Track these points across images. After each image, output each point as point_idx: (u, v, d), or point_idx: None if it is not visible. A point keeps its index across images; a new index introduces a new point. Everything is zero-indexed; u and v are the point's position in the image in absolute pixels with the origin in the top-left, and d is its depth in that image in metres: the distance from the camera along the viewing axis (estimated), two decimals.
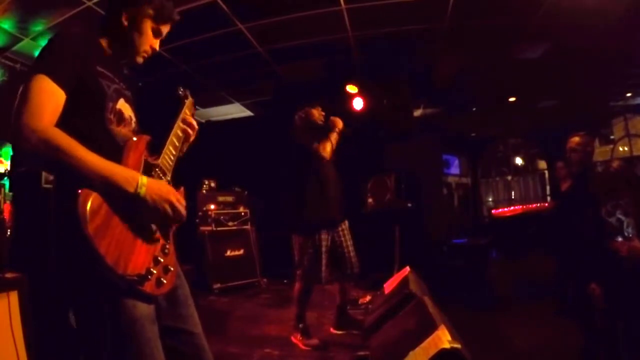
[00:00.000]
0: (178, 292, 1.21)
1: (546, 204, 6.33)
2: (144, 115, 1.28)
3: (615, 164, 4.70)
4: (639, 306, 2.04)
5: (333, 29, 4.31)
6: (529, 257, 4.87)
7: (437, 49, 4.79)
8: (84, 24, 3.61)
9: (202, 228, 4.77)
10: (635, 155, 7.16)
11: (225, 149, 5.89)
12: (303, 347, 2.74)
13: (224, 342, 2.82)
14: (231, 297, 4.32)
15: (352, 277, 3.03)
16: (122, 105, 1.18)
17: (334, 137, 2.87)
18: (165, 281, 1.05)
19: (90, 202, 0.92)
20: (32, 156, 0.96)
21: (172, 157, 1.22)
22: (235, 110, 6.79)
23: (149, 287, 1.00)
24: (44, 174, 2.52)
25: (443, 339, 1.36)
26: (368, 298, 3.81)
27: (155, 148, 1.18)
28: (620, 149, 7.49)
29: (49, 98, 0.98)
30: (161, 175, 1.14)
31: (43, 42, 3.97)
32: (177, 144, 1.26)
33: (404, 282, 2.46)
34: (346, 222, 3.00)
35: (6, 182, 2.87)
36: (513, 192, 10.06)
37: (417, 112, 6.77)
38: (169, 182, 1.16)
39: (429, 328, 1.51)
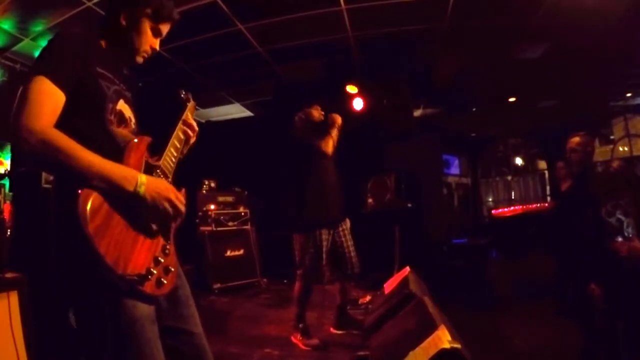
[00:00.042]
0: (179, 292, 1.21)
1: (546, 204, 6.33)
2: (144, 115, 1.28)
3: (615, 164, 4.71)
4: (639, 306, 2.04)
5: (333, 29, 4.31)
6: (529, 257, 4.88)
7: (437, 49, 4.79)
8: (84, 24, 3.61)
9: (202, 228, 4.77)
10: (635, 155, 7.16)
11: (225, 149, 5.89)
12: (303, 347, 2.74)
13: (224, 342, 2.83)
14: (231, 297, 4.32)
15: (353, 277, 3.03)
16: (122, 106, 1.18)
17: (334, 132, 2.90)
18: (165, 282, 1.05)
19: (91, 202, 0.92)
20: (31, 157, 0.96)
21: (173, 159, 1.22)
22: (235, 111, 6.79)
23: (149, 287, 1.00)
24: (44, 174, 2.52)
25: (443, 339, 1.36)
26: (368, 298, 3.81)
27: (156, 149, 1.18)
28: (620, 149, 7.49)
29: (48, 99, 0.98)
30: (162, 176, 1.14)
31: (43, 42, 3.98)
32: (178, 146, 1.27)
33: (404, 282, 2.46)
34: (348, 221, 3.01)
35: (6, 182, 2.87)
36: (513, 192, 10.06)
37: (417, 112, 6.77)
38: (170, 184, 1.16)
39: (429, 328, 1.51)
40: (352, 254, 2.93)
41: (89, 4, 3.51)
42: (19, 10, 3.57)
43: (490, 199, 10.29)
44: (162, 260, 1.05)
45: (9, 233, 2.30)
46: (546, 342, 2.74)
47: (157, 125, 1.35)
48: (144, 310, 1.03)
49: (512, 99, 6.50)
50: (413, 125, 5.87)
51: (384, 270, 4.03)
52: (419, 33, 4.42)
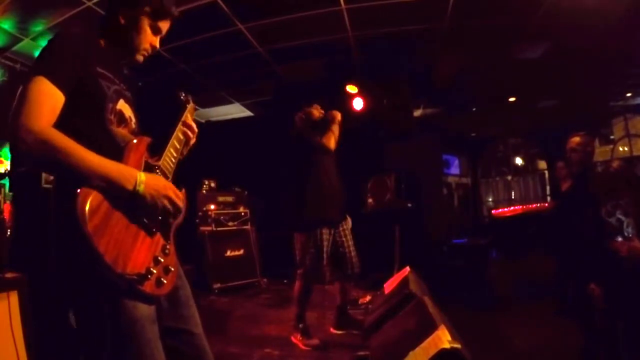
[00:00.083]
0: (179, 292, 1.21)
1: (546, 204, 6.32)
2: (144, 115, 1.28)
3: (615, 164, 4.71)
4: (639, 306, 2.04)
5: (333, 29, 4.31)
6: (529, 257, 4.88)
7: (437, 49, 4.79)
8: (84, 24, 3.61)
9: (202, 228, 4.77)
10: (635, 155, 7.16)
11: (225, 149, 5.89)
12: (303, 347, 2.74)
13: (224, 342, 2.83)
14: (231, 297, 4.32)
15: (353, 277, 3.03)
16: (122, 105, 1.18)
17: (335, 128, 2.94)
18: (165, 281, 1.05)
19: (90, 201, 0.92)
20: (30, 157, 0.96)
21: (172, 160, 1.22)
22: (235, 110, 6.79)
23: (148, 286, 0.99)
24: (44, 174, 2.52)
25: (443, 339, 1.36)
26: (368, 298, 3.81)
27: (155, 149, 1.18)
28: (620, 149, 7.48)
29: (47, 99, 0.98)
30: (161, 176, 1.14)
31: (43, 42, 3.98)
32: (178, 146, 1.27)
33: (404, 282, 2.46)
34: (349, 220, 3.01)
35: (6, 182, 2.87)
36: (513, 192, 10.05)
37: (417, 112, 6.77)
38: None
39: (429, 328, 1.51)
40: (353, 254, 2.93)
41: (89, 4, 3.51)
42: (19, 10, 3.57)
43: (490, 199, 10.29)
44: (162, 260, 1.05)
45: (9, 233, 2.30)
46: (546, 342, 2.74)
47: (157, 125, 1.35)
48: (145, 310, 1.03)
49: (512, 99, 6.50)
50: (413, 125, 5.87)
51: (384, 270, 4.03)
52: (419, 33, 4.42)
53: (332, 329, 3.07)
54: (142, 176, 1.02)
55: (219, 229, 4.80)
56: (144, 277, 0.98)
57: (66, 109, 1.02)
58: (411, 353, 1.44)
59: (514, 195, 10.01)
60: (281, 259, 4.07)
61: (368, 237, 3.79)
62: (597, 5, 3.82)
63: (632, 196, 2.22)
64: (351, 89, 4.68)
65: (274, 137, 4.11)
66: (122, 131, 1.15)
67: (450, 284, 3.87)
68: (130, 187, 0.99)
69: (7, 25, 3.79)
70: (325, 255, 2.76)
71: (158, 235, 1.08)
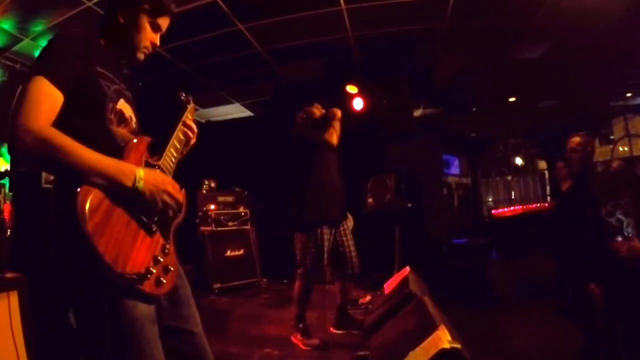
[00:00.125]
0: (179, 292, 1.21)
1: (546, 204, 6.33)
2: (145, 115, 1.28)
3: (615, 164, 4.70)
4: (639, 306, 2.04)
5: (333, 29, 4.31)
6: (529, 257, 4.88)
7: (437, 49, 4.79)
8: (84, 24, 3.61)
9: (202, 228, 4.77)
10: (635, 155, 7.16)
11: (225, 149, 5.89)
12: (303, 347, 2.74)
13: (224, 342, 2.83)
14: (231, 297, 4.32)
15: (353, 277, 3.03)
16: (123, 105, 1.18)
17: (336, 124, 2.97)
18: (165, 281, 1.05)
19: (90, 200, 0.92)
20: (29, 156, 0.96)
21: (173, 159, 1.23)
22: (235, 110, 6.79)
23: (148, 286, 0.99)
24: (44, 174, 2.52)
25: (443, 339, 1.36)
26: (368, 298, 3.81)
27: (156, 149, 1.19)
28: (620, 149, 7.48)
29: (46, 99, 0.98)
30: None
31: (43, 42, 3.98)
32: (178, 146, 1.27)
33: (404, 282, 2.46)
34: (350, 220, 3.02)
35: (6, 182, 2.87)
36: (513, 192, 10.05)
37: (417, 112, 6.77)
38: None
39: (429, 328, 1.51)
40: (353, 253, 2.93)
41: (89, 4, 3.51)
42: (19, 10, 3.57)
43: (490, 199, 10.29)
44: (162, 260, 1.05)
45: (9, 233, 2.30)
46: (546, 342, 2.74)
47: (157, 125, 1.36)
48: (144, 310, 1.03)
49: (512, 99, 6.50)
50: (413, 125, 5.87)
51: (384, 270, 4.03)
52: (419, 33, 4.42)
53: (332, 329, 3.07)
54: (141, 172, 1.02)
55: (219, 229, 4.80)
56: (143, 276, 0.98)
57: (66, 109, 1.02)
58: (411, 353, 1.44)
59: (514, 195, 10.01)
60: (281, 259, 4.07)
61: (368, 237, 3.79)
62: (597, 5, 3.82)
63: (632, 196, 2.22)
64: (351, 89, 4.68)
65: (274, 137, 4.11)
66: (122, 131, 1.16)
67: (450, 284, 3.87)
68: (129, 183, 0.99)
69: (7, 25, 3.79)
70: (325, 255, 2.76)
71: (158, 234, 1.09)
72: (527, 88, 5.96)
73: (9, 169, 3.64)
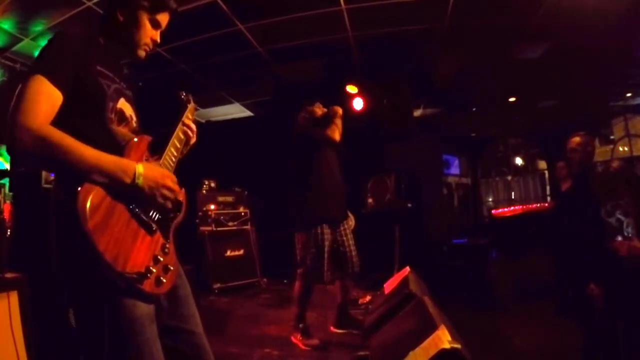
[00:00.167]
0: (179, 291, 1.21)
1: (546, 204, 6.33)
2: (144, 114, 1.28)
3: (615, 164, 4.69)
4: (639, 306, 2.04)
5: (333, 29, 4.31)
6: (529, 257, 4.87)
7: (437, 49, 4.78)
8: (84, 24, 3.61)
9: (202, 228, 4.77)
10: (635, 155, 7.15)
11: (225, 149, 5.89)
12: (303, 347, 2.74)
13: (224, 342, 2.82)
14: (231, 297, 4.31)
15: (353, 276, 3.03)
16: (123, 104, 1.18)
17: (338, 121, 2.99)
18: (164, 280, 1.05)
19: (90, 199, 0.93)
20: (28, 154, 0.96)
21: (173, 159, 1.23)
22: (235, 110, 6.79)
23: (148, 285, 1.00)
24: (44, 174, 2.52)
25: (443, 339, 1.36)
26: (368, 298, 3.81)
27: (156, 148, 1.19)
28: (620, 149, 7.48)
29: (45, 98, 0.98)
30: None
31: (43, 42, 3.97)
32: (178, 146, 1.28)
33: (404, 282, 2.46)
34: (351, 220, 3.02)
35: (6, 182, 2.87)
36: (513, 192, 10.05)
37: (417, 112, 6.77)
38: None
39: (429, 328, 1.51)
40: (353, 253, 2.93)
41: (89, 4, 3.51)
42: (19, 10, 3.57)
43: (490, 199, 10.29)
44: (162, 259, 1.06)
45: (9, 233, 2.30)
46: (546, 342, 2.74)
47: (157, 124, 1.36)
48: (144, 309, 1.03)
49: (512, 99, 6.50)
50: (413, 125, 5.86)
51: (384, 270, 4.03)
52: (419, 33, 4.42)
53: (332, 328, 3.07)
54: (140, 168, 1.02)
55: (219, 229, 4.80)
56: (143, 276, 0.98)
57: (66, 108, 1.02)
58: (411, 353, 1.44)
59: (514, 195, 10.01)
60: (281, 259, 4.07)
61: (368, 237, 3.79)
62: (597, 5, 3.82)
63: (632, 196, 2.22)
64: (351, 89, 4.67)
65: (274, 137, 4.11)
66: (122, 130, 1.16)
67: (450, 284, 3.87)
68: (128, 180, 1.00)
69: (7, 25, 3.79)
70: (326, 255, 2.76)
71: (158, 234, 1.09)
72: (527, 88, 5.96)
73: (9, 168, 3.64)
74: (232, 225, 4.95)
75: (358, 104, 4.65)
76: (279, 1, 3.80)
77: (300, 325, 2.81)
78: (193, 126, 1.36)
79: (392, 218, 4.55)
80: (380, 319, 2.15)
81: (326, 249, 2.76)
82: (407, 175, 4.92)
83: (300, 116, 3.04)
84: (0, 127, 0.99)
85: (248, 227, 5.08)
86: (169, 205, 1.12)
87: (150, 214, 1.08)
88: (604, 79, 5.72)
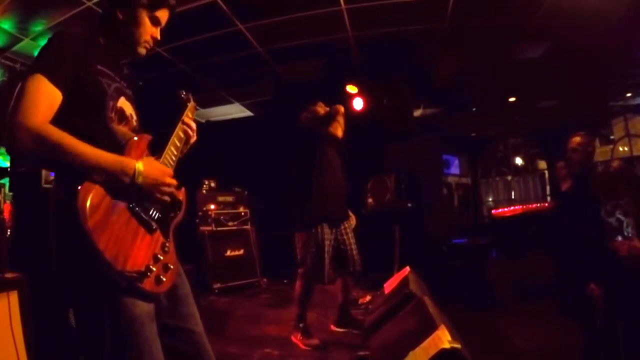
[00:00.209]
0: (179, 290, 1.21)
1: (546, 204, 6.33)
2: (145, 114, 1.28)
3: (615, 164, 4.69)
4: (639, 306, 2.04)
5: (333, 29, 4.31)
6: (529, 257, 4.87)
7: (437, 49, 4.79)
8: (84, 24, 3.61)
9: (202, 228, 4.77)
10: (635, 155, 7.15)
11: (225, 149, 5.89)
12: (303, 347, 2.73)
13: (224, 342, 2.82)
14: (231, 297, 4.31)
15: (354, 275, 3.03)
16: (123, 103, 1.18)
17: (340, 118, 3.02)
18: (164, 279, 1.05)
19: (90, 198, 0.93)
20: (28, 153, 0.96)
21: (173, 158, 1.23)
22: (235, 110, 6.79)
23: (148, 284, 1.00)
24: (44, 173, 2.52)
25: (443, 339, 1.36)
26: (368, 298, 3.81)
27: (156, 147, 1.19)
28: (620, 149, 7.48)
29: (44, 97, 0.98)
30: None
31: (43, 42, 3.95)
32: (178, 144, 1.28)
33: (404, 282, 2.46)
34: (352, 219, 3.02)
35: (6, 182, 2.87)
36: (513, 192, 10.05)
37: (417, 112, 6.77)
38: None
39: (429, 328, 1.51)
40: (355, 251, 2.93)
41: (89, 4, 3.52)
42: (19, 10, 3.57)
43: (490, 199, 10.29)
44: (162, 258, 1.06)
45: (9, 233, 2.30)
46: (546, 342, 2.74)
47: (157, 124, 1.36)
48: (144, 308, 1.03)
49: (512, 99, 6.50)
50: (413, 125, 5.87)
51: (384, 270, 4.03)
52: (419, 33, 4.42)
53: (332, 326, 3.07)
54: (140, 166, 1.02)
55: (219, 229, 4.80)
56: (143, 274, 0.98)
57: (66, 108, 1.02)
58: (411, 353, 1.44)
59: (514, 195, 10.01)
60: (281, 259, 4.06)
61: (368, 237, 3.79)
62: (597, 5, 3.82)
63: (632, 196, 2.22)
64: (351, 89, 4.68)
65: (274, 137, 4.11)
66: (122, 129, 1.16)
67: (450, 284, 3.87)
68: (128, 179, 1.00)
69: (7, 25, 3.79)
70: (326, 255, 2.76)
71: (158, 232, 1.09)
72: (527, 88, 5.96)
73: (9, 168, 3.64)
74: (232, 225, 4.95)
75: (358, 104, 4.65)
76: (279, 1, 3.80)
77: (301, 325, 2.80)
78: (193, 125, 1.36)
79: (392, 218, 4.55)
80: (380, 319, 2.15)
81: (326, 248, 2.76)
82: (407, 175, 4.92)
83: (303, 116, 3.05)
84: (0, 127, 0.99)
85: (248, 227, 5.08)
86: (167, 199, 1.13)
87: (150, 212, 1.08)
88: (604, 79, 5.72)
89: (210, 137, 3.71)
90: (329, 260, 2.78)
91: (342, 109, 3.06)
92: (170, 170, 1.13)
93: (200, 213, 4.84)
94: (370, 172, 4.90)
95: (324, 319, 3.28)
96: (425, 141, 6.46)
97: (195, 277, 3.81)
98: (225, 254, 4.76)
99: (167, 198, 1.11)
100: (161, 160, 1.16)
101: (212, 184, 5.13)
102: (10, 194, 2.78)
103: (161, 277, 1.04)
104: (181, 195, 1.20)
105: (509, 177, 10.13)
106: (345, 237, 2.91)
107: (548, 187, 9.01)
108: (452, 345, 1.32)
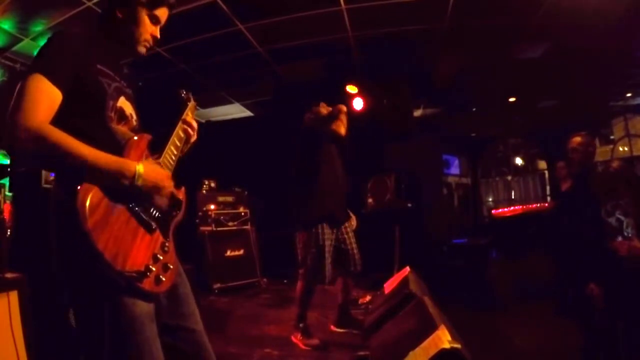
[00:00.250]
0: (179, 290, 1.21)
1: (546, 204, 6.33)
2: (145, 113, 1.28)
3: (615, 164, 4.69)
4: (639, 306, 2.04)
5: (333, 29, 4.31)
6: (529, 257, 4.87)
7: (437, 49, 4.79)
8: (84, 24, 3.61)
9: (202, 228, 4.77)
10: (635, 155, 7.15)
11: (225, 149, 5.89)
12: (303, 347, 2.73)
13: (224, 342, 2.82)
14: (231, 297, 4.31)
15: (355, 275, 3.03)
16: (123, 102, 1.18)
17: (343, 117, 3.04)
18: (164, 279, 1.05)
19: (90, 198, 0.93)
20: (27, 153, 0.96)
21: (173, 157, 1.23)
22: (235, 110, 6.79)
23: (147, 284, 1.00)
24: (44, 173, 2.52)
25: (443, 339, 1.36)
26: (368, 298, 3.81)
27: (156, 146, 1.19)
28: (620, 149, 7.48)
29: (44, 97, 0.98)
30: None
31: (43, 42, 3.96)
32: (178, 144, 1.28)
33: (404, 282, 2.46)
34: (354, 220, 3.03)
35: (6, 182, 2.87)
36: (513, 192, 10.05)
37: (417, 112, 6.77)
38: None
39: (429, 328, 1.51)
40: (355, 251, 2.93)
41: (89, 4, 3.52)
42: (19, 10, 3.57)
43: (490, 199, 10.29)
44: (161, 258, 1.06)
45: (9, 233, 2.30)
46: (546, 342, 2.74)
47: (157, 124, 1.36)
48: (144, 308, 1.03)
49: (512, 99, 6.50)
50: (413, 125, 5.87)
51: (384, 270, 4.03)
52: (419, 33, 4.42)
53: (332, 327, 3.07)
54: (140, 168, 1.02)
55: (219, 229, 4.80)
56: (143, 274, 0.98)
57: (66, 108, 1.02)
58: (411, 353, 1.44)
59: (514, 195, 10.01)
60: (281, 259, 4.07)
61: (368, 237, 3.79)
62: (597, 5, 3.82)
63: (632, 196, 2.22)
64: (351, 89, 4.68)
65: (274, 137, 4.11)
66: (122, 128, 1.16)
67: (450, 284, 3.87)
68: (127, 181, 1.00)
69: (7, 25, 3.79)
70: (327, 255, 2.76)
71: (157, 232, 1.09)
72: (527, 88, 5.96)
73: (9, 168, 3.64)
74: (232, 225, 4.95)
75: (358, 104, 4.66)
76: (279, 1, 3.80)
77: (301, 325, 2.80)
78: (194, 124, 1.36)
79: (392, 218, 4.55)
80: (380, 319, 2.15)
81: (327, 248, 2.76)
82: (407, 175, 4.92)
83: (306, 116, 3.07)
84: (0, 127, 0.99)
85: (248, 227, 5.08)
86: (166, 201, 1.12)
87: (150, 212, 1.08)
88: (604, 79, 5.72)
89: (211, 137, 3.71)
90: (330, 260, 2.78)
91: (344, 108, 3.08)
92: (169, 173, 1.14)
93: (200, 213, 4.84)
94: (370, 172, 4.90)
95: (324, 319, 3.28)
96: (425, 141, 6.46)
97: (195, 277, 3.81)
98: (225, 254, 4.75)
99: (165, 200, 1.11)
100: (161, 159, 1.16)
101: (212, 184, 5.13)
102: (10, 194, 2.78)
103: (161, 276, 1.04)
104: (181, 195, 1.20)
105: (509, 177, 10.13)
106: (345, 236, 2.91)
107: (548, 187, 9.01)
108: (452, 345, 1.32)
